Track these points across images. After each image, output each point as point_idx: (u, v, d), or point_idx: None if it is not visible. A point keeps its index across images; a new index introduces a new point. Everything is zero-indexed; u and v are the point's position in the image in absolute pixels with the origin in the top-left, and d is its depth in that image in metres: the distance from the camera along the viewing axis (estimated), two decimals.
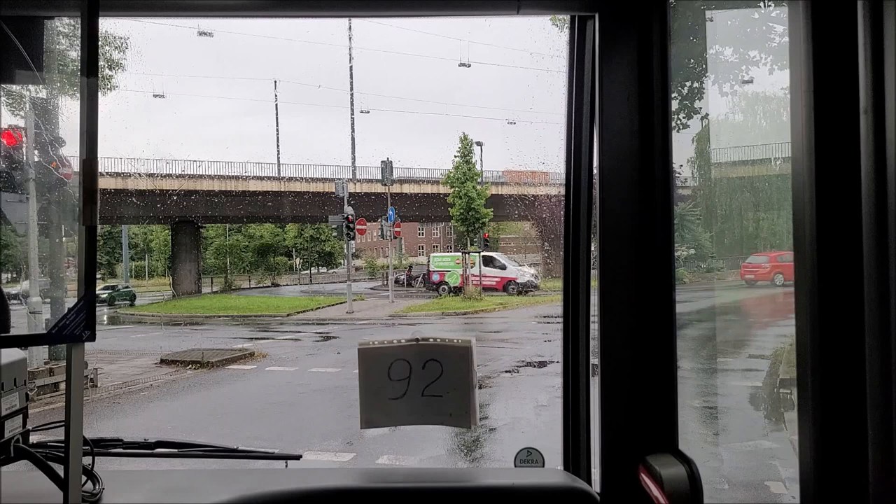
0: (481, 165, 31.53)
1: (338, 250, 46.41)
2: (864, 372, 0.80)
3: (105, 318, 23.96)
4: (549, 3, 1.65)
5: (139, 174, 26.64)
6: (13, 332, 1.43)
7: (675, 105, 1.58)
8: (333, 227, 26.16)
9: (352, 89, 43.64)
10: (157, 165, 27.81)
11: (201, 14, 1.80)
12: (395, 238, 30.35)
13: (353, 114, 37.54)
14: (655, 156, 1.53)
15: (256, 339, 17.14)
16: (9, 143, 10.45)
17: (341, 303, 25.48)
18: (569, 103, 1.75)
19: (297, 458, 1.78)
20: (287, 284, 43.38)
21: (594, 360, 1.66)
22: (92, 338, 1.13)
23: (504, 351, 13.79)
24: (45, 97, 10.94)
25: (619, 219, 1.57)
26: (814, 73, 0.88)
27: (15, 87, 10.19)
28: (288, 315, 23.09)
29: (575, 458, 1.78)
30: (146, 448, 1.76)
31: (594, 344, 1.65)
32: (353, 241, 26.66)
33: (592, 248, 1.71)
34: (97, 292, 1.18)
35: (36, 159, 10.65)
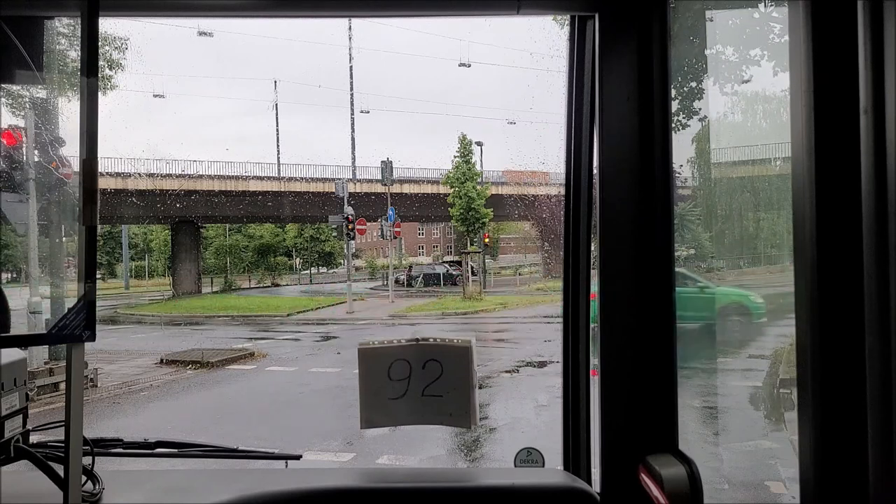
0: (481, 165, 31.60)
1: (338, 250, 46.42)
2: (864, 372, 0.80)
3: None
4: (549, 3, 1.65)
5: (139, 174, 26.65)
6: (13, 332, 1.43)
7: (675, 105, 1.58)
8: (333, 227, 26.21)
9: (352, 89, 43.84)
10: (157, 165, 27.86)
11: (201, 14, 1.80)
12: (395, 238, 30.35)
13: (353, 114, 37.67)
14: (655, 156, 1.53)
15: (256, 339, 17.14)
16: (9, 143, 10.45)
17: (341, 303, 25.48)
18: (569, 103, 1.75)
19: (297, 458, 1.78)
20: (287, 284, 43.38)
21: (594, 360, 1.66)
22: (92, 338, 1.13)
23: (504, 351, 13.80)
24: (45, 97, 10.94)
25: (619, 219, 1.57)
26: (814, 73, 0.88)
27: (15, 87, 10.18)
28: (288, 315, 23.09)
29: (575, 458, 1.78)
30: (146, 448, 1.76)
31: (594, 344, 1.65)
32: (353, 241, 26.66)
33: (592, 248, 1.71)
34: None
35: (36, 159, 10.65)
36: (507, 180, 33.86)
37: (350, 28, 34.08)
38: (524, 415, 8.77)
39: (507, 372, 11.50)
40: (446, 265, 37.88)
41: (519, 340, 15.71)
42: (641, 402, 1.55)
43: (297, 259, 50.18)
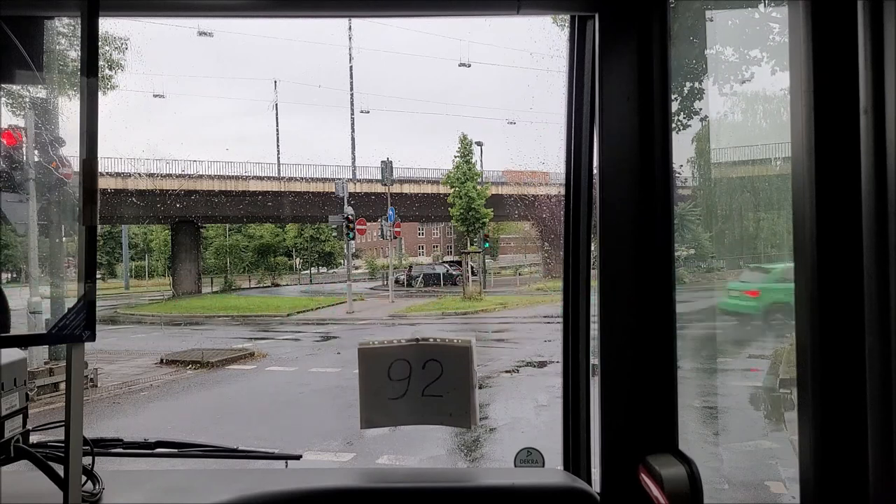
0: (481, 165, 31.62)
1: (338, 250, 46.43)
2: (864, 372, 0.80)
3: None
4: (549, 3, 1.65)
5: (139, 174, 26.65)
6: (13, 332, 1.43)
7: (675, 105, 1.58)
8: (333, 227, 26.20)
9: (352, 89, 43.90)
10: (157, 165, 27.88)
11: (201, 14, 1.80)
12: (395, 238, 30.35)
13: (353, 114, 37.72)
14: (655, 156, 1.53)
15: (256, 339, 17.14)
16: (9, 143, 10.45)
17: (341, 303, 25.48)
18: (569, 103, 1.75)
19: (297, 458, 1.78)
20: (287, 284, 43.39)
21: (594, 360, 1.66)
22: (92, 338, 1.13)
23: (504, 351, 13.80)
24: (45, 97, 10.94)
25: (619, 219, 1.57)
26: (814, 73, 0.88)
27: (15, 87, 10.19)
28: (288, 315, 23.09)
29: (575, 458, 1.78)
30: (146, 448, 1.76)
31: (594, 344, 1.65)
32: (353, 241, 26.66)
33: (592, 248, 1.71)
34: None
35: (36, 159, 10.65)
36: (507, 180, 33.87)
37: (350, 28, 34.16)
38: (524, 415, 8.77)
39: (507, 372, 11.50)
40: (446, 265, 37.89)
41: (519, 340, 15.71)
42: (641, 402, 1.55)
43: (297, 259, 50.19)
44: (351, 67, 46.05)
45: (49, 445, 1.59)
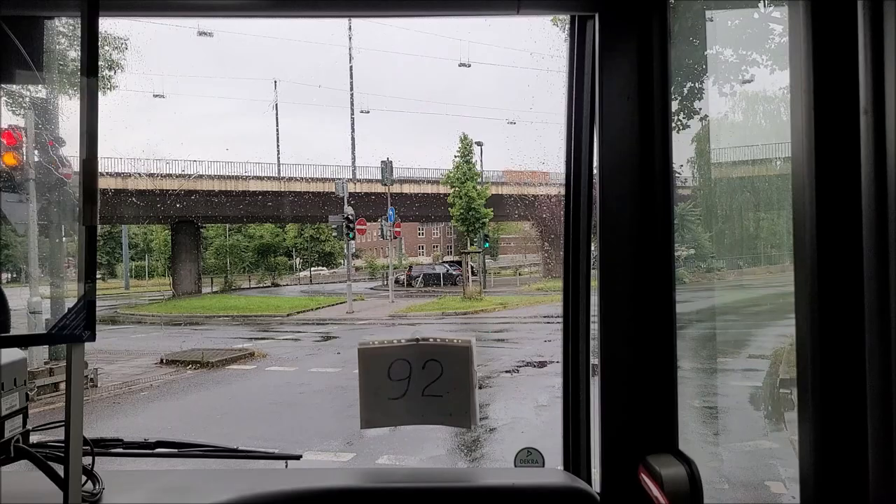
0: (481, 165, 31.62)
1: (338, 250, 46.41)
2: (864, 372, 0.80)
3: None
4: (549, 3, 1.65)
5: (139, 174, 26.66)
6: (13, 332, 1.43)
7: (675, 105, 1.58)
8: (333, 227, 26.20)
9: (352, 89, 43.95)
10: (157, 165, 27.88)
11: (201, 14, 1.80)
12: (395, 238, 30.35)
13: (353, 114, 37.64)
14: (655, 156, 1.53)
15: (256, 339, 17.15)
16: (9, 143, 10.45)
17: (341, 303, 25.48)
18: (569, 103, 1.75)
19: (297, 458, 1.78)
20: (287, 284, 43.40)
21: (594, 360, 1.66)
22: (92, 338, 1.13)
23: (504, 351, 13.80)
24: (45, 97, 10.94)
25: (619, 219, 1.57)
26: (814, 73, 0.88)
27: (15, 87, 10.18)
28: (288, 315, 23.10)
29: (575, 458, 1.78)
30: (146, 448, 1.76)
31: (594, 344, 1.65)
32: (353, 241, 26.66)
33: (592, 248, 1.71)
34: None
35: (36, 159, 10.65)
36: (507, 180, 33.88)
37: (350, 28, 34.09)
38: (524, 415, 8.78)
39: (507, 372, 11.50)
40: (446, 265, 37.90)
41: (519, 340, 15.71)
42: (641, 402, 1.55)
43: (297, 259, 50.18)
44: (351, 67, 45.83)
45: (49, 445, 1.59)
